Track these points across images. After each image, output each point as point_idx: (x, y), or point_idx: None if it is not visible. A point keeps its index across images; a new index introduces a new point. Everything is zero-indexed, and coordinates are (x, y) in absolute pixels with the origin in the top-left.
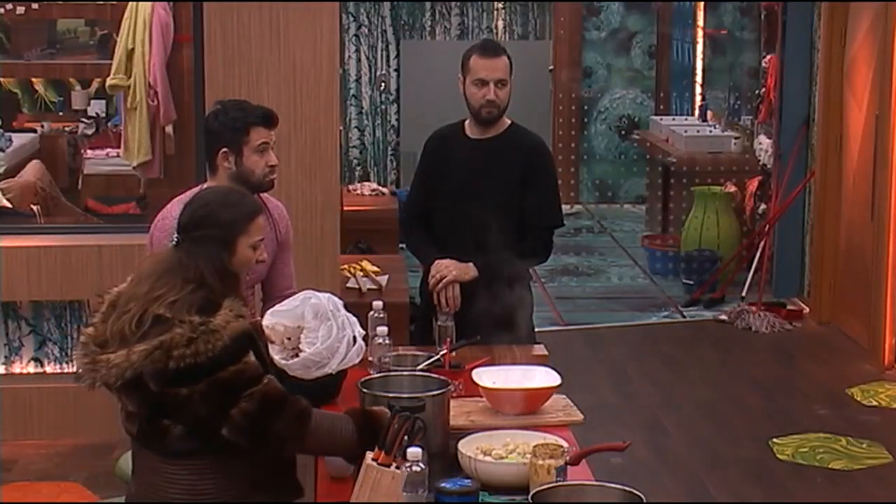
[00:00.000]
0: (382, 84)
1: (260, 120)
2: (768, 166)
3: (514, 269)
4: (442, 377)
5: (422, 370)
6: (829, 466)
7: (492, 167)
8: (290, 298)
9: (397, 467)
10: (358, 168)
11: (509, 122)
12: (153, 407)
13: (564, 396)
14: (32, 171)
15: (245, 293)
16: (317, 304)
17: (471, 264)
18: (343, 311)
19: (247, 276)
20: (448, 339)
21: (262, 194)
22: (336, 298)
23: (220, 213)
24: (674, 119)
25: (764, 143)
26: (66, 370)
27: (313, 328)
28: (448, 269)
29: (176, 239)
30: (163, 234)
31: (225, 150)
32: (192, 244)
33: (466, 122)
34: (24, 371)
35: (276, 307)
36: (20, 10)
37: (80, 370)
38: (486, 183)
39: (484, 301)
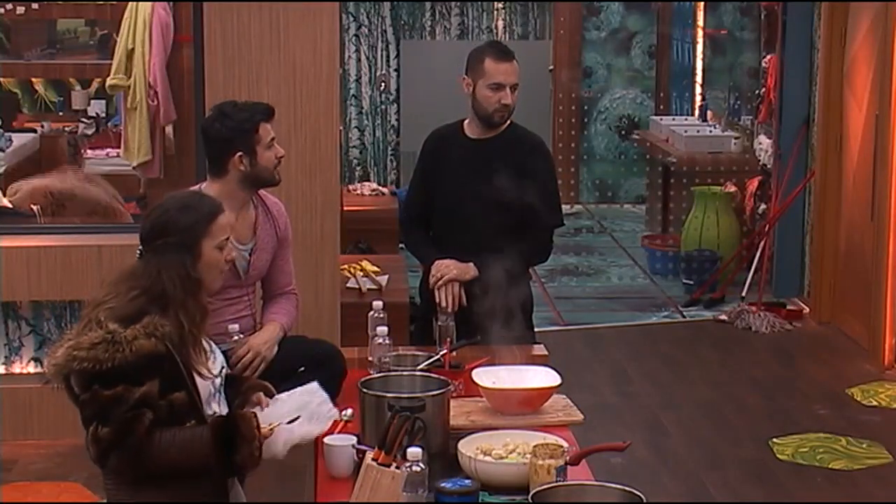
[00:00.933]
0: (382, 84)
1: (265, 116)
2: (768, 166)
3: (514, 269)
4: (442, 377)
5: (422, 370)
6: (829, 466)
7: (491, 167)
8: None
9: (397, 467)
10: (358, 168)
11: (509, 121)
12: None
13: (564, 396)
14: (60, 178)
15: (246, 291)
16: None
17: (471, 264)
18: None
19: (240, 272)
20: (448, 339)
21: (260, 192)
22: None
23: (178, 219)
24: (674, 119)
25: (764, 143)
26: None
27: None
28: (448, 269)
29: (139, 251)
30: None
31: (240, 153)
32: (153, 254)
33: (465, 121)
34: (25, 371)
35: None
36: (20, 9)
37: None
38: (486, 183)
39: (484, 301)
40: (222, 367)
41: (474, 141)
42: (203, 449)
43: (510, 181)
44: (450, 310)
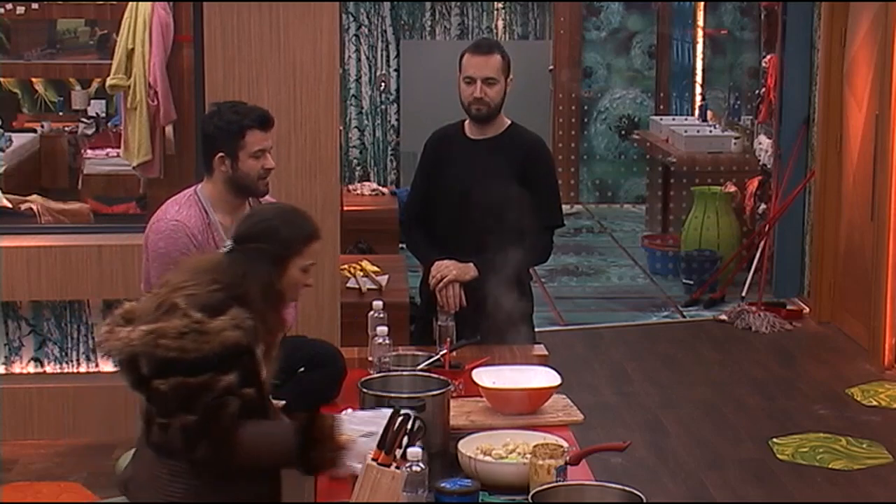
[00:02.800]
0: (382, 84)
1: (255, 123)
2: (768, 166)
3: (515, 270)
4: (442, 377)
5: (422, 370)
6: (829, 466)
7: (491, 167)
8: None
9: (397, 467)
10: (358, 168)
11: (509, 122)
12: (143, 392)
13: (564, 396)
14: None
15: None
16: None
17: (471, 264)
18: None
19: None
20: (448, 340)
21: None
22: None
23: (279, 230)
24: (674, 119)
25: (764, 143)
26: (66, 370)
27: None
28: (448, 270)
29: (228, 245)
30: (157, 236)
31: (221, 154)
32: (242, 255)
33: (466, 121)
34: (25, 371)
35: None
36: (20, 9)
37: (98, 338)
38: (486, 183)
39: (484, 301)
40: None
41: (474, 141)
42: (286, 444)
43: (510, 181)
44: (450, 310)
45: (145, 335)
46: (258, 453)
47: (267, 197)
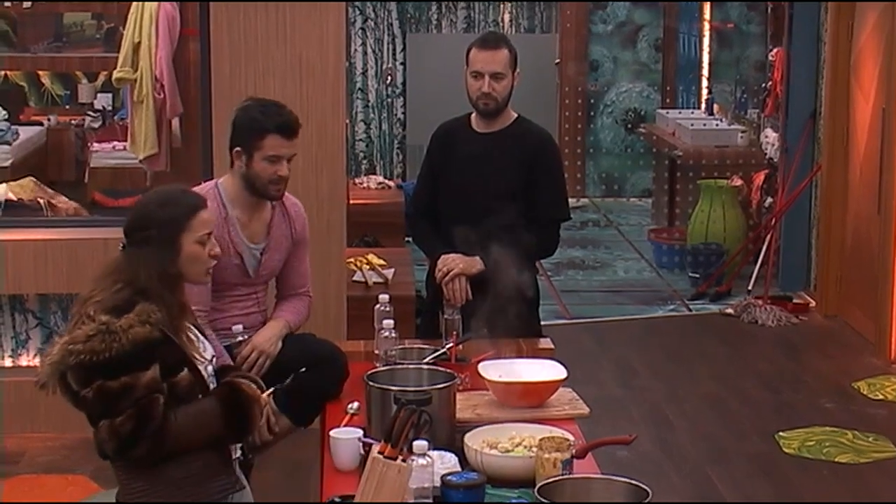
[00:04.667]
0: (388, 77)
1: (276, 128)
2: (775, 160)
3: (521, 263)
4: (448, 370)
5: (428, 363)
6: (836, 460)
7: (498, 160)
8: None
9: (403, 460)
10: (364, 161)
11: (516, 115)
12: (79, 408)
13: (570, 390)
14: None
15: (255, 289)
16: None
17: (477, 258)
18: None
19: (249, 270)
20: (455, 333)
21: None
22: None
23: (157, 213)
24: (680, 112)
25: (770, 137)
26: None
27: None
28: (455, 263)
29: (121, 244)
30: None
31: (238, 149)
32: (133, 247)
33: (473, 115)
34: (31, 364)
35: None
36: (27, 3)
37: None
38: (492, 176)
39: (490, 295)
40: (213, 356)
41: (481, 134)
42: (215, 418)
43: (517, 175)
44: (457, 304)
45: (60, 348)
46: (191, 436)
47: (291, 198)
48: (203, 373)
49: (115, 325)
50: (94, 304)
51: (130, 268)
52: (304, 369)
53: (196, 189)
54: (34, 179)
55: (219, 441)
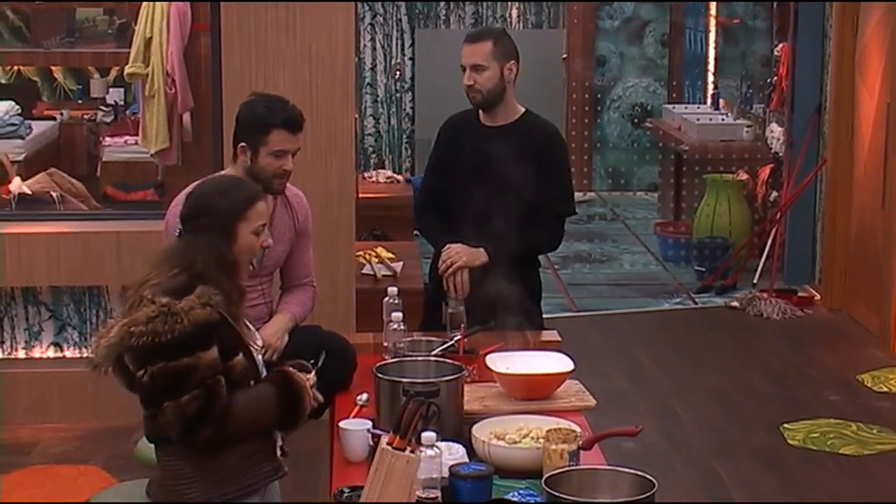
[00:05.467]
0: (397, 72)
1: (281, 123)
2: (780, 154)
3: (525, 256)
4: (456, 362)
5: (436, 356)
6: (840, 452)
7: (504, 154)
8: None
9: (412, 451)
10: (373, 156)
11: (524, 109)
12: (135, 390)
13: (577, 382)
14: None
15: (260, 281)
16: None
17: (481, 249)
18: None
19: (253, 262)
20: (461, 325)
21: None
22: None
23: (216, 202)
24: (686, 107)
25: (776, 132)
26: (85, 354)
27: None
28: (458, 255)
29: (178, 230)
30: (175, 219)
31: (243, 144)
32: (191, 234)
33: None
34: (44, 356)
35: None
36: None
37: (90, 355)
38: (498, 170)
39: (493, 287)
40: (262, 345)
41: (488, 128)
42: (271, 404)
43: (523, 168)
44: (457, 297)
45: (119, 330)
46: (250, 420)
47: (292, 188)
48: (256, 359)
49: (176, 306)
50: (152, 287)
51: (187, 254)
52: (312, 361)
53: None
54: (55, 172)
55: (271, 427)
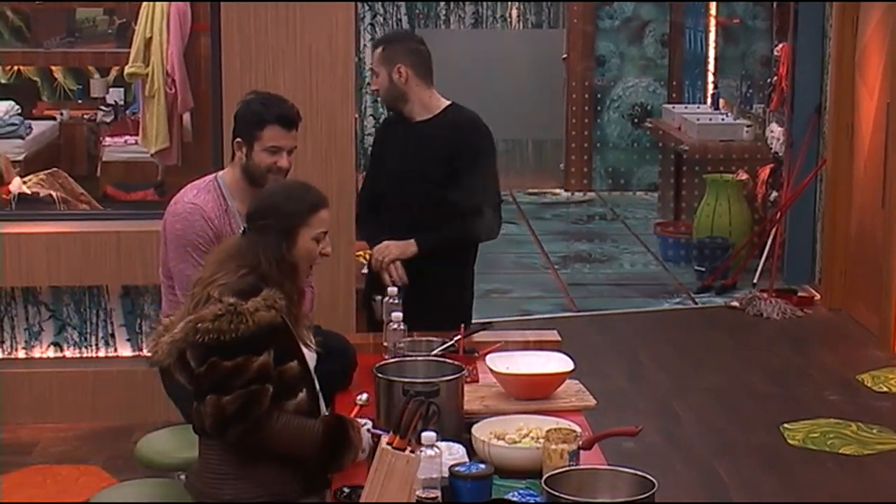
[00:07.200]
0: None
1: (275, 119)
2: (780, 154)
3: (459, 246)
4: (456, 362)
5: (436, 355)
6: (840, 452)
7: (423, 148)
8: None
9: (412, 451)
10: None
11: (448, 103)
12: (193, 384)
13: (577, 382)
14: None
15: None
16: None
17: (411, 241)
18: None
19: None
20: (462, 326)
21: None
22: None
23: (282, 204)
24: (686, 107)
25: (776, 131)
26: (84, 355)
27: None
28: (389, 250)
29: (244, 227)
30: (174, 218)
31: (239, 140)
32: (254, 233)
33: None
34: (44, 355)
35: None
36: None
37: (148, 353)
38: (420, 164)
39: (420, 282)
40: (317, 351)
41: (412, 124)
42: (312, 442)
43: (446, 160)
44: (397, 284)
45: (186, 326)
46: (283, 443)
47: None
48: (308, 364)
49: (243, 307)
50: (220, 286)
51: (252, 253)
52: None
53: (195, 183)
54: (56, 172)
55: (301, 461)
